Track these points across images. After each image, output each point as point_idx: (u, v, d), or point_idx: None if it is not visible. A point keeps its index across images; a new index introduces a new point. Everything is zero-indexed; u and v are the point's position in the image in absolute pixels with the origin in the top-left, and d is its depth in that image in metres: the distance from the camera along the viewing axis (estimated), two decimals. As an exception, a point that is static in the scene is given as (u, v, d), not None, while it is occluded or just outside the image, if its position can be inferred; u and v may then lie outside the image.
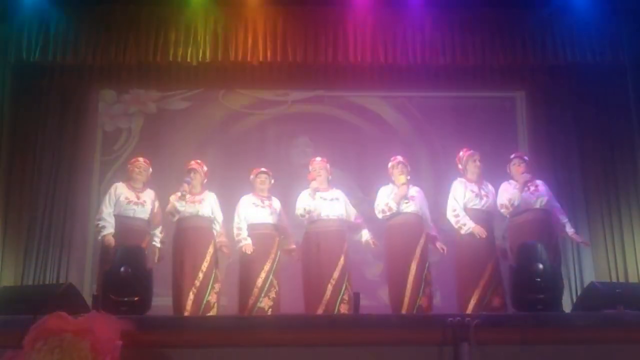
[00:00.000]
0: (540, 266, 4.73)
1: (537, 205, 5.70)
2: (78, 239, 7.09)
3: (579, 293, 6.54)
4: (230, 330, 3.95)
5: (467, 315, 4.18)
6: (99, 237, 5.73)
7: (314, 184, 5.74)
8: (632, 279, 6.61)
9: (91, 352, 3.34)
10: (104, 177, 7.34)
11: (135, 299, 4.65)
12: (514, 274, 4.92)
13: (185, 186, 5.76)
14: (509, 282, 5.08)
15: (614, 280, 6.68)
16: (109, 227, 5.68)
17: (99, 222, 5.73)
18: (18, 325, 3.65)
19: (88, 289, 6.66)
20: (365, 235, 5.93)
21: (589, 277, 6.71)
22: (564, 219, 5.87)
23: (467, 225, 5.59)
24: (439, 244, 5.80)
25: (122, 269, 4.76)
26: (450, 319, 3.75)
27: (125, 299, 4.61)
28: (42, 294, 4.80)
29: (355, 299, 5.14)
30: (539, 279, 4.68)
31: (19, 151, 7.09)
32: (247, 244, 5.73)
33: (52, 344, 3.35)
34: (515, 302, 4.88)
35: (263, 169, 6.07)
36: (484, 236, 5.55)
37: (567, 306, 5.81)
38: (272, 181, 6.04)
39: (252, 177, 6.06)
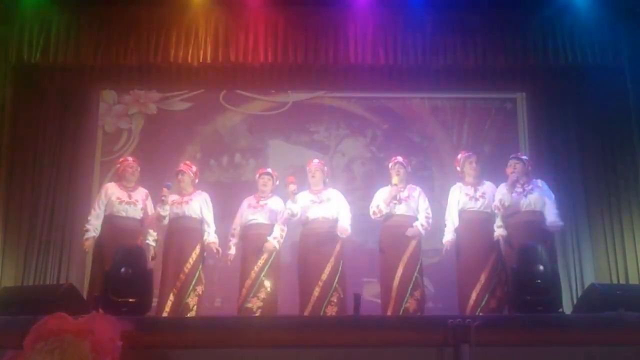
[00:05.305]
0: (541, 268, 4.73)
1: (532, 207, 5.69)
2: (78, 240, 7.03)
3: (579, 294, 6.53)
4: (231, 330, 3.95)
5: (468, 317, 4.17)
6: (84, 239, 5.81)
7: (291, 187, 5.69)
8: (633, 280, 6.60)
9: (91, 353, 3.34)
10: (104, 178, 7.32)
11: (136, 299, 4.65)
12: (514, 275, 4.92)
13: (165, 190, 5.73)
14: (509, 283, 5.08)
15: (615, 281, 6.67)
16: (91, 231, 5.79)
17: (85, 225, 5.81)
18: (18, 325, 3.64)
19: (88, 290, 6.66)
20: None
21: (590, 279, 6.70)
22: (552, 216, 5.67)
23: (445, 238, 5.71)
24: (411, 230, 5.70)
25: (122, 269, 4.76)
26: (450, 320, 3.74)
27: (126, 300, 4.61)
28: (43, 295, 4.79)
29: (356, 300, 5.12)
30: (539, 281, 4.68)
31: (19, 151, 7.07)
32: (229, 253, 5.79)
33: (53, 345, 3.35)
34: (516, 303, 4.88)
35: (268, 170, 6.07)
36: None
37: (567, 308, 5.80)
38: (277, 182, 6.03)
39: (257, 177, 6.08)
